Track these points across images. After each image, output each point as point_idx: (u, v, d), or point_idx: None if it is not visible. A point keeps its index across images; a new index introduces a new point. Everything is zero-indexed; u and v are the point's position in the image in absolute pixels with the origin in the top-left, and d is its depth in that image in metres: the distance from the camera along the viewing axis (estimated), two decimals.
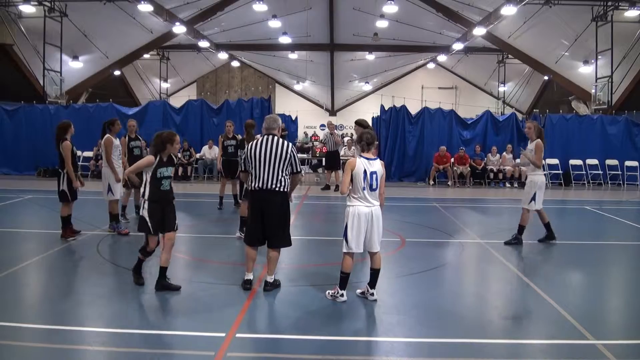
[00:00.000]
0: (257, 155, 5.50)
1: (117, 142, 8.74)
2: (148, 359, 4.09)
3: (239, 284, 5.81)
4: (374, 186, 5.22)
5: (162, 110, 18.44)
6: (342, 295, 5.35)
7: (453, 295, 5.88)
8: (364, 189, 5.18)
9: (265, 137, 5.59)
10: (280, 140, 5.61)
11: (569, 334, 4.65)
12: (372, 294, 5.41)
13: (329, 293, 5.45)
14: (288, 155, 5.51)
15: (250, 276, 5.70)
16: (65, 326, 4.63)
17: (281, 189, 5.50)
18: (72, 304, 5.32)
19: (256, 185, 5.51)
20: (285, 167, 5.50)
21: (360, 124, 7.02)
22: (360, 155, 5.29)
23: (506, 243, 8.17)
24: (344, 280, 5.34)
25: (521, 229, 8.19)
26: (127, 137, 9.58)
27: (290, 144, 5.66)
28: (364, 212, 5.21)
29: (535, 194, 8.06)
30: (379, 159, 5.38)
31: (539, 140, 8.12)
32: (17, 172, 18.10)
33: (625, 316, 5.41)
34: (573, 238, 8.16)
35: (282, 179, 5.49)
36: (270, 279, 5.68)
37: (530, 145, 8.22)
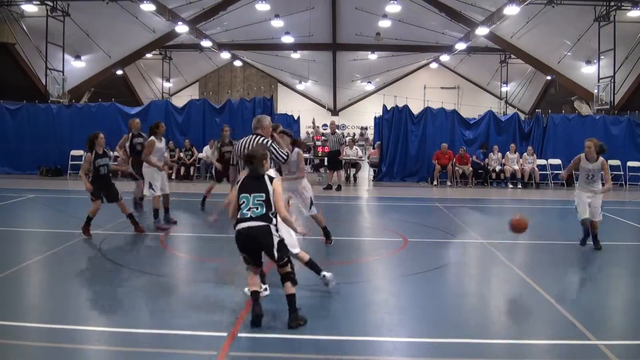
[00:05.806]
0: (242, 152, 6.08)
1: (160, 144, 9.11)
2: (150, 358, 4.10)
3: (241, 283, 5.85)
4: None
5: (165, 109, 18.41)
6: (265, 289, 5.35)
7: (455, 296, 5.88)
8: None
9: (251, 136, 6.23)
10: (260, 138, 6.14)
11: (570, 335, 4.64)
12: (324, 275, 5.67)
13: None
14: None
15: None
16: (66, 325, 4.63)
17: None
18: (74, 303, 5.34)
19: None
20: None
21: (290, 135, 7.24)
22: None
23: (596, 248, 7.86)
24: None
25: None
26: (130, 134, 10.42)
27: (269, 140, 6.17)
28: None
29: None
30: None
31: (602, 159, 7.78)
32: (19, 172, 18.08)
33: (628, 317, 5.40)
34: (575, 238, 8.13)
35: None
36: None
37: (595, 165, 7.77)
